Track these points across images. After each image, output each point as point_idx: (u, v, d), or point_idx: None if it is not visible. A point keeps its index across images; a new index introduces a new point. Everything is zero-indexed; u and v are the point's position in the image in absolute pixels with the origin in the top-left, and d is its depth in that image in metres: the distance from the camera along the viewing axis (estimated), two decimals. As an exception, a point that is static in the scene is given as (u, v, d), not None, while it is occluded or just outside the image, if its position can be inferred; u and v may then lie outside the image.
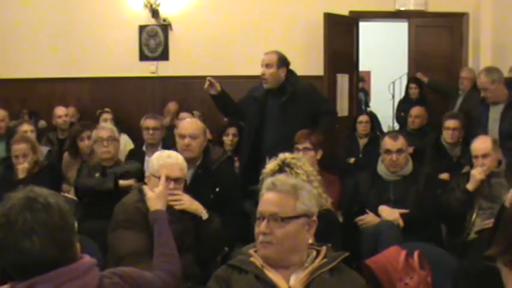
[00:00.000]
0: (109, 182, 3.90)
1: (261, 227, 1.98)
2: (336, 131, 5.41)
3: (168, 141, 4.72)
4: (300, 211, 2.00)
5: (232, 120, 5.49)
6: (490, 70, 4.63)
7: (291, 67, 4.61)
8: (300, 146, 3.94)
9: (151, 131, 4.93)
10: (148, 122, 5.01)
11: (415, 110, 6.22)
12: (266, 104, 4.54)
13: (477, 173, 3.68)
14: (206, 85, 4.44)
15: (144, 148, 4.96)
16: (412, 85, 7.20)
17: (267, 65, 4.47)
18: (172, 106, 7.10)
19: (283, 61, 4.52)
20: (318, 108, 4.53)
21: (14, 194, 1.46)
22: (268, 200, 2.02)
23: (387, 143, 3.87)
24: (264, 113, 4.53)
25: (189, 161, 3.42)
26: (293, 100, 4.44)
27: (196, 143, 3.61)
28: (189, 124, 3.76)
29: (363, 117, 6.24)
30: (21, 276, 1.42)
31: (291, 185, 2.04)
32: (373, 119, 6.71)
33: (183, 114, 6.28)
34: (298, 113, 4.41)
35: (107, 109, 6.67)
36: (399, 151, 3.80)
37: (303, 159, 3.05)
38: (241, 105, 4.67)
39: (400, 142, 3.84)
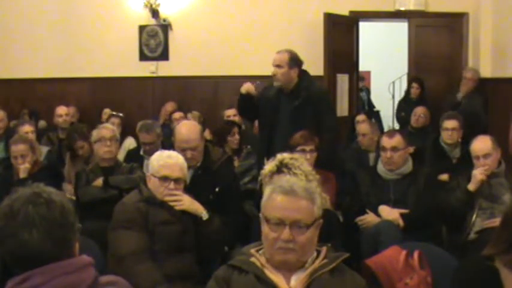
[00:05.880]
0: (113, 191, 3.88)
1: (284, 234, 1.94)
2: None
3: (167, 141, 4.70)
4: (317, 216, 2.00)
5: (248, 119, 5.49)
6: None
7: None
8: (307, 148, 3.88)
9: (147, 147, 4.81)
10: (143, 138, 4.88)
11: (420, 109, 6.25)
12: (279, 106, 4.45)
13: (479, 173, 3.67)
14: (250, 87, 4.41)
15: (141, 152, 4.91)
16: (415, 84, 7.19)
17: (278, 65, 4.36)
18: (169, 107, 7.08)
19: (295, 61, 4.39)
20: (320, 119, 4.39)
21: (22, 189, 1.50)
22: (288, 205, 1.97)
23: (383, 140, 3.87)
24: (276, 114, 4.45)
25: (190, 162, 3.42)
26: (305, 105, 4.35)
27: (197, 152, 3.59)
28: (187, 137, 3.58)
29: (360, 117, 6.24)
30: (18, 267, 1.45)
31: (306, 189, 2.02)
32: (374, 118, 6.69)
33: (176, 115, 6.23)
34: (309, 116, 4.33)
35: (119, 113, 6.59)
36: (394, 149, 3.78)
37: (301, 159, 3.02)
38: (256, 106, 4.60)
39: (396, 140, 3.82)
